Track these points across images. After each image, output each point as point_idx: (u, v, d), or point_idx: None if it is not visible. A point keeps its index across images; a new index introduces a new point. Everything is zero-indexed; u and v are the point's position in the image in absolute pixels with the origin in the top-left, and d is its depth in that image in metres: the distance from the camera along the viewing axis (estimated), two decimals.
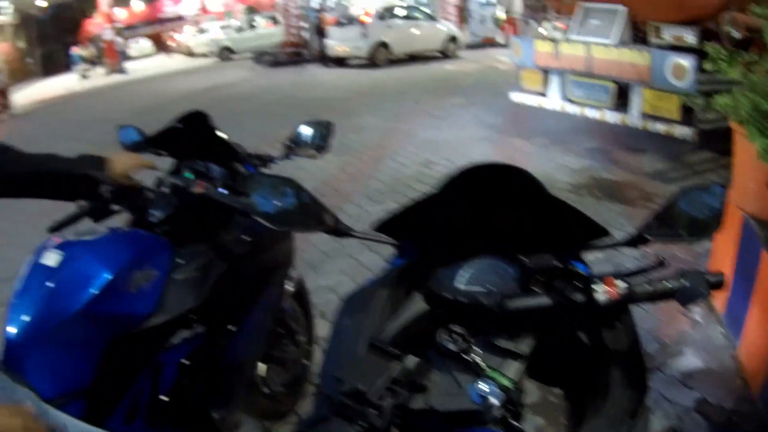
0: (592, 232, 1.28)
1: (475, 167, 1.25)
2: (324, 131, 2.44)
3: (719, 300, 3.56)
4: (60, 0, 42.21)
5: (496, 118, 9.60)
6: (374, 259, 4.41)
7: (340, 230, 1.38)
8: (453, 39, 20.29)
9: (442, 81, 14.64)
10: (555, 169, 6.70)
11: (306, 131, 2.44)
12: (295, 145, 2.44)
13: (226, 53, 28.43)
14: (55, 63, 36.88)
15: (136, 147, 2.35)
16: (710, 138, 6.24)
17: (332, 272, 4.39)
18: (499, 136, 8.36)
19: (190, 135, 2.31)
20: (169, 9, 54.46)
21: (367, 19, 18.55)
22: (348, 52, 18.96)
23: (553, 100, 7.90)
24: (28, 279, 1.72)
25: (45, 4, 40.56)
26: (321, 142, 2.43)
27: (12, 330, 1.60)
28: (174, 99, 15.75)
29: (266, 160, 2.42)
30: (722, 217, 1.25)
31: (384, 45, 18.56)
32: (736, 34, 5.66)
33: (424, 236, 1.37)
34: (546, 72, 7.97)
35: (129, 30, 43.91)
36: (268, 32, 28.00)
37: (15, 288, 1.71)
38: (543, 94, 8.11)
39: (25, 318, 1.61)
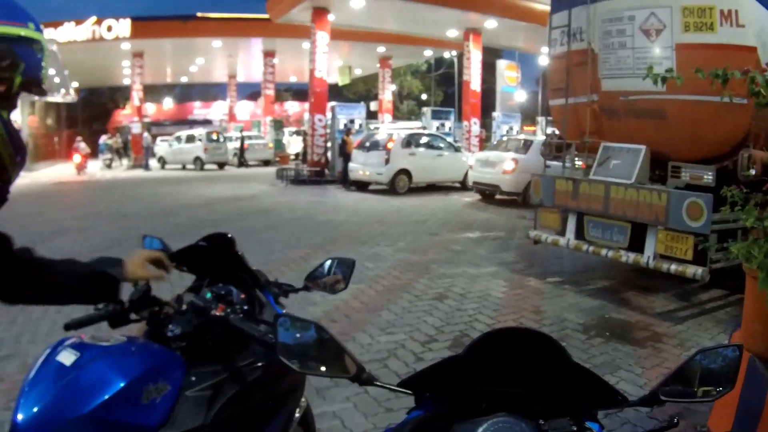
0: (609, 395, 1.30)
1: (499, 331, 1.31)
2: (346, 270, 2.47)
3: None
4: (94, 85, 42.69)
5: (511, 254, 9.68)
6: (381, 391, 4.25)
7: (363, 379, 1.40)
8: None
9: (459, 213, 14.79)
10: (566, 308, 6.67)
11: (328, 267, 2.48)
12: (316, 279, 2.48)
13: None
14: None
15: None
16: (721, 275, 6.27)
17: (338, 399, 4.36)
18: (513, 274, 8.35)
19: (214, 255, 2.37)
20: (198, 111, 56.57)
21: (392, 146, 18.55)
22: (369, 177, 19.11)
23: (570, 239, 7.81)
24: (41, 371, 1.75)
25: (76, 86, 40.88)
26: (341, 280, 2.46)
27: (21, 417, 1.65)
28: (193, 205, 15.97)
29: (286, 289, 2.46)
30: (735, 378, 1.26)
31: (405, 172, 18.65)
32: (752, 172, 5.73)
33: (444, 391, 1.38)
34: (565, 211, 7.91)
35: (157, 126, 44.89)
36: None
37: (27, 376, 1.74)
38: (560, 233, 8.05)
39: (35, 409, 1.66)
